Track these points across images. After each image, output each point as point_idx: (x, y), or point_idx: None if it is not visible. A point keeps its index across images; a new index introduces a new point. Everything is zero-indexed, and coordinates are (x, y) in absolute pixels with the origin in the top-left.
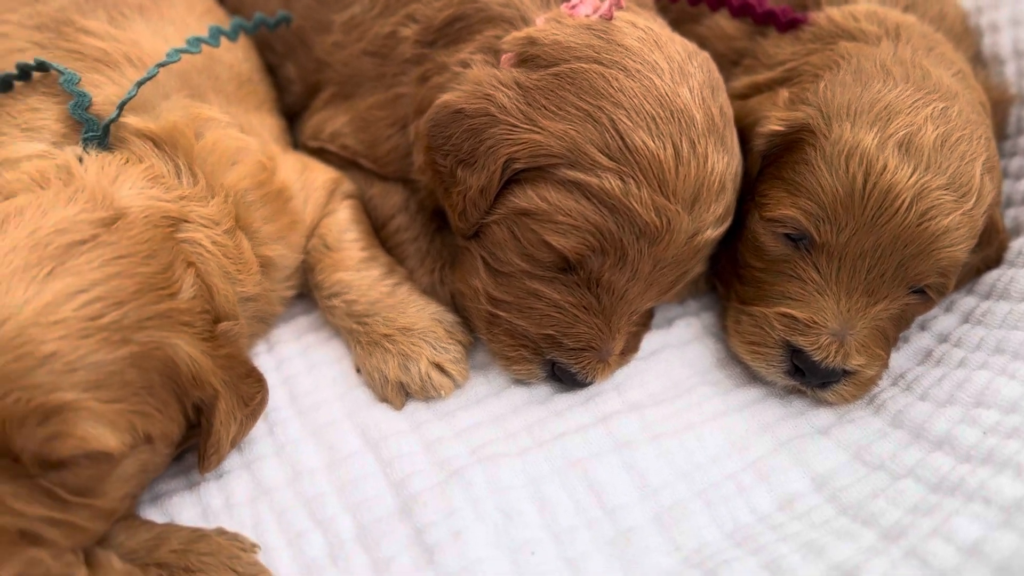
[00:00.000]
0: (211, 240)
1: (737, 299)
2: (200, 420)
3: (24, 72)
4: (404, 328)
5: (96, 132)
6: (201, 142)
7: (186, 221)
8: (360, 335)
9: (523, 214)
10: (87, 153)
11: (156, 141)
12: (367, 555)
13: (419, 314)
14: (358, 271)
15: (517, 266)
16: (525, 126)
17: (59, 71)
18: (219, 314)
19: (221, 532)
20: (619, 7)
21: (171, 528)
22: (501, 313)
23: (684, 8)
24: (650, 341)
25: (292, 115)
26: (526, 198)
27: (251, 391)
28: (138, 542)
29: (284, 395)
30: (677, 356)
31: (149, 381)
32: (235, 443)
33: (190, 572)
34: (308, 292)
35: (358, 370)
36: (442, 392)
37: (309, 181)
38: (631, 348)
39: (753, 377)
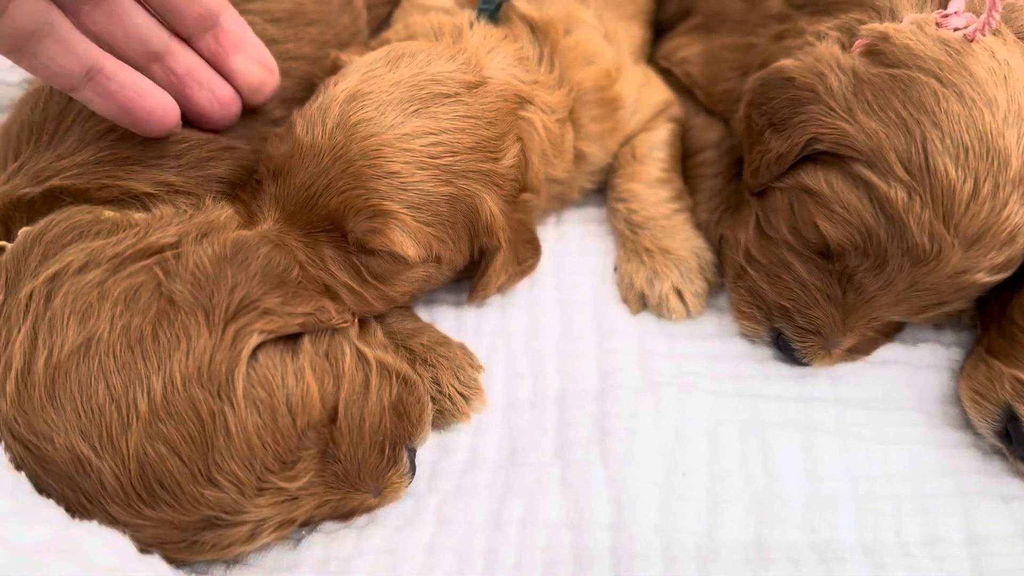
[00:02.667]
0: (543, 124)
1: (986, 346)
2: (482, 261)
3: None
4: (664, 249)
5: (490, 6)
6: (567, 38)
7: (530, 102)
8: (627, 241)
9: (806, 191)
10: (478, 21)
11: (533, 27)
12: (559, 414)
13: (683, 243)
14: (649, 187)
15: (782, 235)
16: (841, 113)
17: None
18: (526, 185)
19: (462, 346)
20: (989, 30)
21: (428, 327)
22: (751, 271)
23: None
24: (887, 351)
25: (661, 30)
26: (814, 178)
27: (526, 254)
28: (400, 327)
29: (553, 265)
30: (905, 375)
31: (454, 218)
32: (501, 289)
33: (426, 364)
34: (604, 189)
35: (616, 268)
36: (674, 316)
37: (644, 96)
38: (862, 350)
39: (968, 424)
